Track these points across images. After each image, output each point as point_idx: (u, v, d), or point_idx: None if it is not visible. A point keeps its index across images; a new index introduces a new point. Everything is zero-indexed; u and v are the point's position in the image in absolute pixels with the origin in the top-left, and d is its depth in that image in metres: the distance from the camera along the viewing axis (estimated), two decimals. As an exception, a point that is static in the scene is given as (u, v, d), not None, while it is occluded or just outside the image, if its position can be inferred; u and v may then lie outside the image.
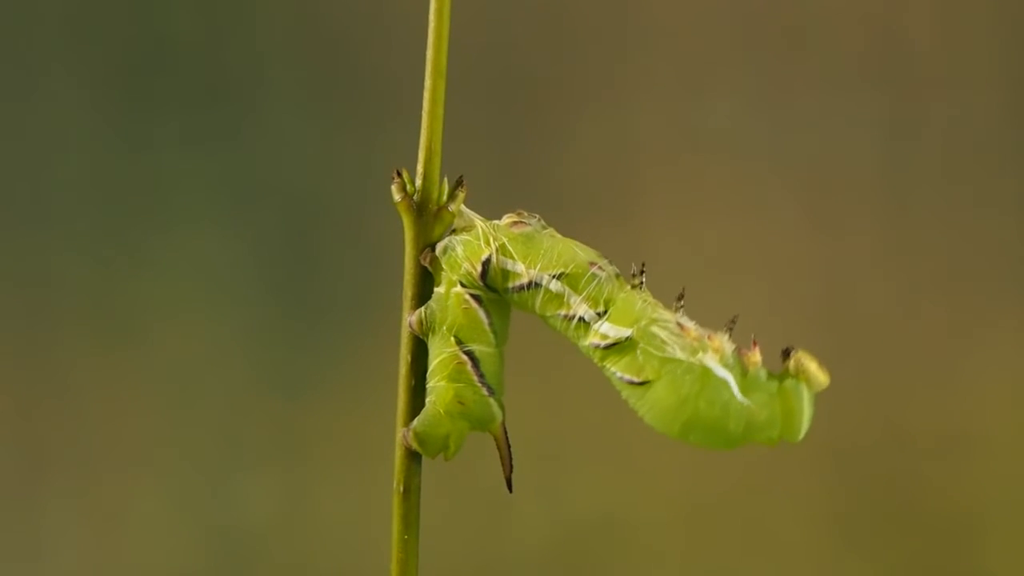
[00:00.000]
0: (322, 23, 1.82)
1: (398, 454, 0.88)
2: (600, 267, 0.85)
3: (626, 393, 0.84)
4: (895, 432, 1.81)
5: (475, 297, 0.86)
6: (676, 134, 1.83)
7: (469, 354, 0.86)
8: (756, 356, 0.83)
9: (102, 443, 1.80)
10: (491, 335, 0.87)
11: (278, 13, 1.81)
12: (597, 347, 0.84)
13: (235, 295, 1.82)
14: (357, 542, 1.79)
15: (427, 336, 0.87)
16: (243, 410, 1.81)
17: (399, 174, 0.87)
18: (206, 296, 1.82)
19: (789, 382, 0.83)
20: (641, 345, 0.83)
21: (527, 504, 1.79)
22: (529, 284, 0.86)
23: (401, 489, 0.88)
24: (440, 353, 0.86)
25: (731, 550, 1.81)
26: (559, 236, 0.87)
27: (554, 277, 0.85)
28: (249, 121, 1.81)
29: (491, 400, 0.87)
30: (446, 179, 0.88)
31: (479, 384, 0.86)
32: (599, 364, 0.85)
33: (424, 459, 0.88)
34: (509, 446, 0.88)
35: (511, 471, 0.88)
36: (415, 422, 0.87)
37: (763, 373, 0.83)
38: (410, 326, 0.88)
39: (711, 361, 0.83)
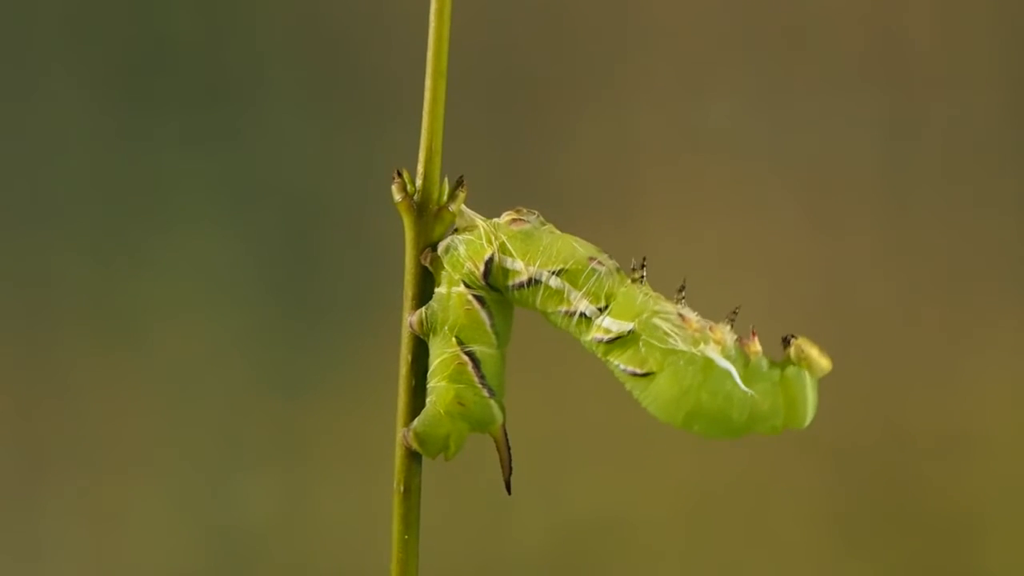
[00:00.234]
0: (322, 23, 1.82)
1: (398, 454, 0.88)
2: (600, 262, 0.85)
3: (630, 385, 0.84)
4: (895, 432, 1.81)
5: (478, 298, 0.86)
6: (676, 134, 1.82)
7: (470, 355, 0.86)
8: (756, 345, 0.83)
9: (102, 443, 1.80)
10: (493, 336, 0.87)
11: (278, 13, 1.81)
12: (600, 342, 0.84)
13: (235, 295, 1.82)
14: (357, 542, 1.79)
15: (428, 336, 0.87)
16: (243, 410, 1.81)
17: (399, 174, 0.87)
18: (206, 296, 1.82)
19: (791, 370, 0.83)
20: (643, 337, 0.83)
21: (527, 504, 1.79)
22: (529, 281, 0.86)
23: (401, 489, 0.88)
24: (441, 353, 0.86)
25: (731, 550, 1.81)
26: (558, 232, 0.87)
27: (554, 273, 0.85)
28: (249, 121, 1.81)
29: (491, 402, 0.87)
30: (446, 179, 0.88)
31: (480, 385, 0.86)
32: (602, 358, 0.85)
33: (424, 459, 0.88)
34: (509, 448, 0.87)
35: (510, 473, 0.88)
36: (415, 422, 0.87)
37: (765, 362, 0.83)
38: (411, 326, 0.87)
39: (713, 352, 0.83)
